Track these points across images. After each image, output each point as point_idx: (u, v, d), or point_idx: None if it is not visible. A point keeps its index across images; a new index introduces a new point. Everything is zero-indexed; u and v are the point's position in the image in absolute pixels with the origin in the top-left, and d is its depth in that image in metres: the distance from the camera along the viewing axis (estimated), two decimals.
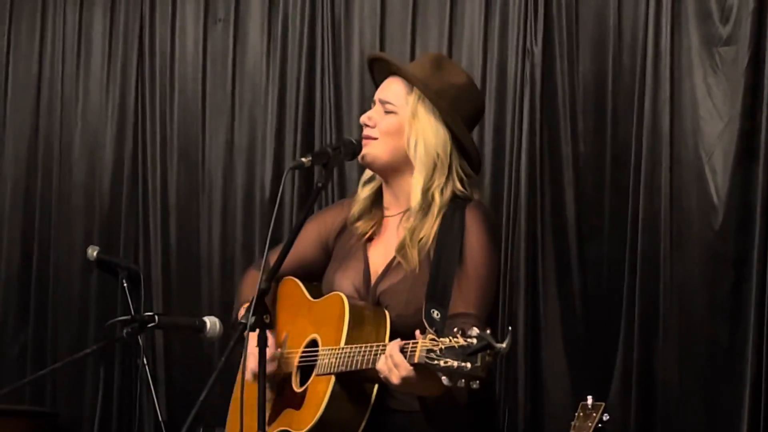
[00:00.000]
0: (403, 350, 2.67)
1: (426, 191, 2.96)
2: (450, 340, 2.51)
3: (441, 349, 2.51)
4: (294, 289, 3.12)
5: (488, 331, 2.48)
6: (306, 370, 2.98)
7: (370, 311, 2.93)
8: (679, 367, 3.98)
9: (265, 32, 4.80)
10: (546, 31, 4.26)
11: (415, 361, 2.62)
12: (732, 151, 3.94)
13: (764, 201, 3.87)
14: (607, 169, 4.17)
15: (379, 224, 3.08)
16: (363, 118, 3.06)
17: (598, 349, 4.12)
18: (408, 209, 3.02)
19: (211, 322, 3.14)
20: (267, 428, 2.76)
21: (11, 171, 5.13)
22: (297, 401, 2.95)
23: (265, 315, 2.69)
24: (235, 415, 3.15)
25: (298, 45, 4.71)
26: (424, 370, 2.59)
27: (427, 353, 2.54)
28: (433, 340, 2.54)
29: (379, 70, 3.15)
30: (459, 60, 4.35)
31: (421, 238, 2.95)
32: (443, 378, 2.50)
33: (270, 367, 2.94)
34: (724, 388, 3.91)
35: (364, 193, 3.12)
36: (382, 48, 4.52)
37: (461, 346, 2.49)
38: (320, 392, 2.85)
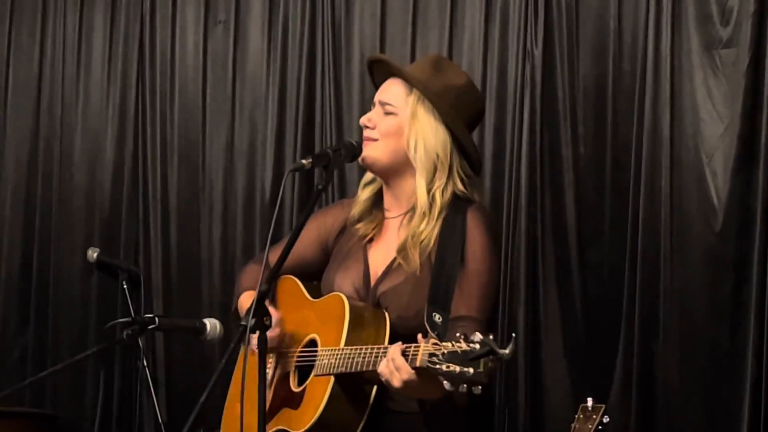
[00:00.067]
0: (404, 353, 2.67)
1: (427, 192, 2.96)
2: (453, 345, 2.51)
3: (443, 354, 2.51)
4: (293, 287, 3.12)
5: (491, 337, 2.48)
6: (304, 370, 2.98)
7: (370, 313, 2.93)
8: (679, 370, 3.98)
9: (265, 34, 4.80)
10: (546, 33, 4.26)
11: (417, 364, 2.62)
12: (732, 154, 3.95)
13: (764, 203, 3.88)
14: (608, 172, 4.17)
15: (379, 226, 3.08)
16: (363, 120, 3.06)
17: (599, 352, 4.12)
18: (409, 211, 3.02)
19: (212, 324, 3.14)
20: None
21: (12, 173, 5.13)
22: (295, 401, 2.95)
23: (265, 317, 2.69)
24: (230, 414, 3.14)
25: (298, 47, 4.71)
26: (425, 373, 2.59)
27: (429, 357, 2.54)
28: (436, 344, 2.54)
29: (379, 71, 3.15)
30: (459, 62, 4.35)
31: (422, 240, 2.95)
32: (445, 382, 2.50)
33: (274, 333, 2.94)
34: (725, 390, 3.91)
35: (364, 194, 3.12)
36: (382, 50, 4.52)
37: (464, 351, 2.49)
38: (319, 392, 2.85)
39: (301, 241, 2.93)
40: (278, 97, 4.74)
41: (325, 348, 2.91)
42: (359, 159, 3.02)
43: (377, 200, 3.11)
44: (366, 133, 3.04)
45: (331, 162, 2.91)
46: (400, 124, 3.00)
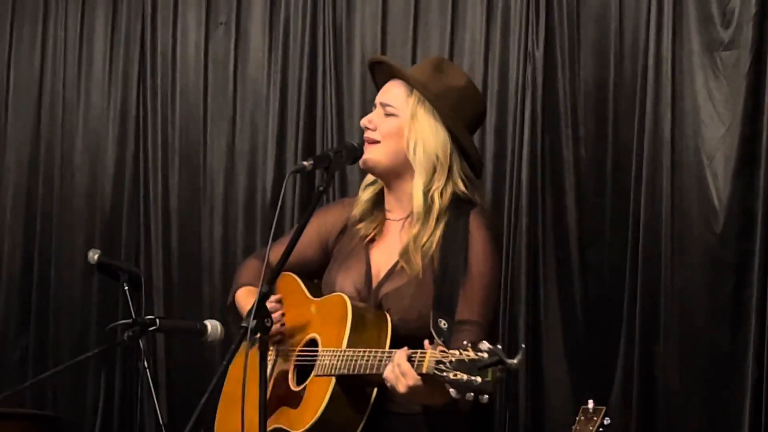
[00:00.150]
0: (410, 359, 2.68)
1: (426, 193, 2.96)
2: (460, 353, 2.51)
3: (450, 362, 2.51)
4: (293, 285, 3.12)
5: (499, 346, 2.48)
6: (303, 369, 2.98)
7: (372, 314, 2.93)
8: (679, 372, 3.98)
9: (266, 36, 4.81)
10: (547, 34, 4.27)
11: (423, 371, 2.62)
12: (733, 156, 3.95)
13: (765, 205, 3.88)
14: (608, 174, 4.18)
15: (380, 226, 3.08)
16: (363, 121, 3.06)
17: (599, 354, 4.12)
18: (411, 213, 3.01)
19: (212, 326, 3.15)
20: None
21: (13, 175, 5.13)
22: (294, 400, 2.94)
23: (266, 319, 2.69)
24: (224, 413, 3.13)
25: (299, 49, 4.71)
26: (431, 380, 2.60)
27: (436, 364, 2.54)
28: (443, 351, 2.54)
29: (380, 73, 3.15)
30: (460, 64, 4.35)
31: (424, 244, 2.94)
32: (451, 390, 2.50)
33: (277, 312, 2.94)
34: (725, 393, 3.91)
35: (365, 195, 3.12)
36: (383, 51, 4.53)
37: (471, 360, 2.49)
38: (320, 393, 2.85)
39: (301, 239, 2.93)
40: (279, 98, 4.75)
41: (326, 348, 2.91)
42: (360, 162, 3.02)
43: (378, 201, 3.11)
44: (367, 134, 3.04)
45: (332, 163, 2.92)
46: (401, 126, 3.00)
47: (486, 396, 2.48)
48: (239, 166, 4.82)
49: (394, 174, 3.03)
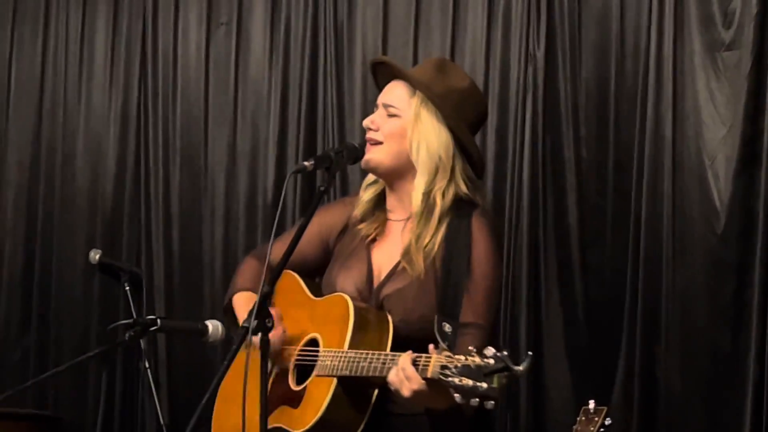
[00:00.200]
0: (415, 363, 2.68)
1: (427, 194, 2.97)
2: (466, 359, 2.51)
3: (456, 367, 2.52)
4: (293, 284, 3.11)
5: (505, 353, 2.48)
6: (303, 368, 2.97)
7: (373, 315, 2.93)
8: (681, 373, 3.98)
9: (267, 36, 4.80)
10: (549, 36, 4.26)
11: (428, 375, 2.63)
12: (734, 156, 3.94)
13: (766, 206, 3.87)
14: (610, 174, 4.17)
15: (382, 226, 3.08)
16: (366, 122, 3.06)
17: (600, 355, 4.12)
18: (413, 214, 3.01)
19: (213, 326, 3.14)
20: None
21: (14, 175, 5.13)
22: (294, 399, 2.94)
23: (267, 319, 2.69)
24: (221, 413, 3.12)
25: (300, 49, 4.71)
26: (435, 384, 2.60)
27: (441, 369, 2.55)
28: (449, 356, 2.54)
29: (382, 74, 3.15)
30: (461, 64, 4.35)
31: (426, 244, 2.95)
32: (456, 395, 2.51)
33: (276, 332, 2.93)
34: (726, 394, 3.90)
35: (366, 195, 3.12)
36: (384, 52, 4.52)
37: (478, 366, 2.49)
38: (321, 393, 2.85)
39: (302, 238, 2.93)
40: (280, 98, 4.74)
41: (327, 349, 2.91)
42: (362, 163, 3.02)
43: (380, 201, 3.11)
44: (369, 135, 3.04)
45: (333, 164, 2.92)
46: (404, 126, 3.00)
47: (491, 402, 2.48)
48: (240, 167, 4.82)
49: (397, 174, 3.04)
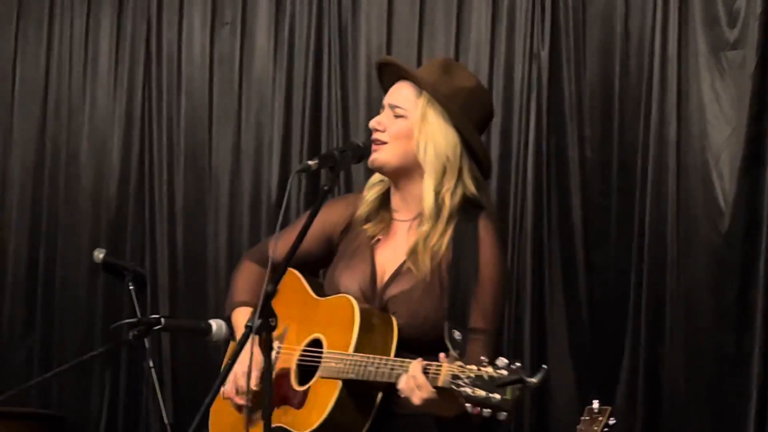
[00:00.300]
0: (425, 371, 2.68)
1: (437, 194, 2.96)
2: (479, 369, 2.50)
3: (469, 377, 2.51)
4: (295, 282, 3.11)
5: (518, 364, 2.48)
6: (305, 368, 2.97)
7: (378, 318, 2.92)
8: (685, 373, 3.98)
9: (271, 36, 4.80)
10: (553, 35, 4.26)
11: (439, 384, 2.63)
12: (739, 156, 3.94)
13: None
14: (614, 174, 4.17)
15: (386, 226, 3.08)
16: (372, 123, 3.06)
17: (604, 355, 4.12)
18: (418, 214, 3.01)
19: (217, 325, 3.14)
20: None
21: (18, 174, 5.13)
22: (297, 399, 2.94)
23: (270, 318, 2.69)
24: (219, 412, 3.12)
25: (305, 49, 4.71)
26: (446, 393, 2.60)
27: (452, 379, 2.54)
28: (461, 366, 2.54)
29: (387, 74, 3.15)
30: (466, 64, 4.34)
31: (434, 245, 2.94)
32: (467, 405, 2.50)
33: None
34: (730, 394, 3.90)
35: (371, 195, 3.11)
36: (388, 52, 4.52)
37: (491, 377, 2.49)
38: (326, 395, 2.85)
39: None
40: (285, 98, 4.74)
41: (331, 351, 2.90)
42: (369, 162, 3.02)
43: (384, 200, 3.11)
44: (375, 135, 3.03)
45: (337, 163, 2.91)
46: (410, 127, 2.99)
47: (504, 414, 2.48)
48: (244, 166, 4.82)
49: (403, 174, 3.03)
